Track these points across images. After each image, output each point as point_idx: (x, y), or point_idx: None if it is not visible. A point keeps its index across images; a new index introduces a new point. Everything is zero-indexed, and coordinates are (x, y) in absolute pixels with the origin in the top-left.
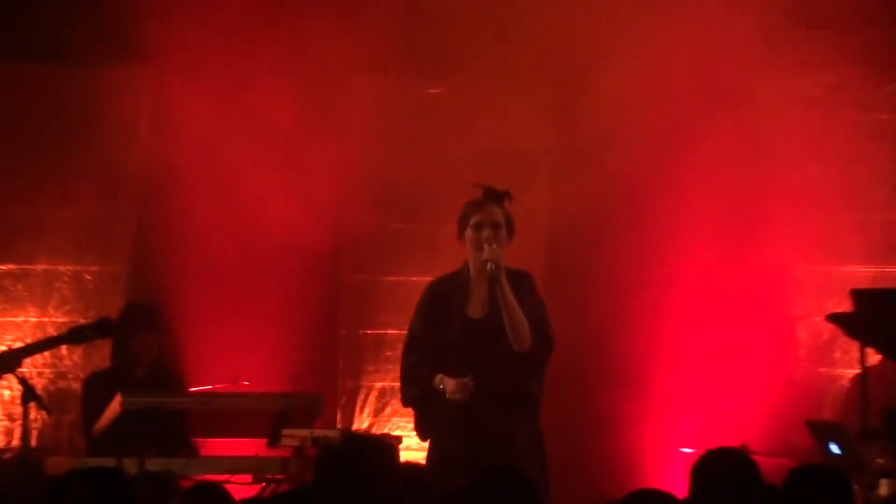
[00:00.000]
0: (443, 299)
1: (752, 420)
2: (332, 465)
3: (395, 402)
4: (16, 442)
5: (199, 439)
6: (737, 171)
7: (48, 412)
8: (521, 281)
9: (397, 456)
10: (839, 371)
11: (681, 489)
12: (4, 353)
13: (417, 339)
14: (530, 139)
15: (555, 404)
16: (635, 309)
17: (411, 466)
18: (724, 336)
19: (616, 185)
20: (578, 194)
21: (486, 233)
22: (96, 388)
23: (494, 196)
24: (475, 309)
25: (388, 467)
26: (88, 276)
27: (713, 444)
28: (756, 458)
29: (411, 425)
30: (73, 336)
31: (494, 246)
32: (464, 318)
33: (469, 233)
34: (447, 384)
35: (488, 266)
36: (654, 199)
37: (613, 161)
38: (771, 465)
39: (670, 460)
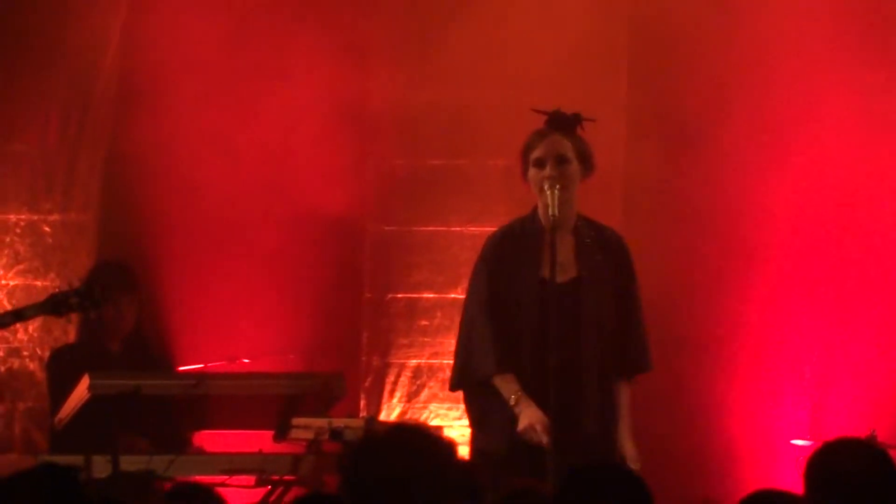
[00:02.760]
0: (512, 255)
1: (881, 406)
2: (368, 465)
3: (434, 384)
4: None
5: (188, 432)
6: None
7: None
8: (615, 251)
9: (456, 455)
10: None
11: (790, 489)
12: None
13: (481, 302)
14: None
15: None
16: (729, 274)
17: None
18: (845, 302)
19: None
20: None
21: (548, 170)
22: (61, 368)
23: (561, 122)
24: (552, 269)
25: (444, 470)
26: (47, 228)
27: (832, 436)
28: (889, 451)
29: (453, 413)
30: (53, 306)
31: (558, 189)
32: (538, 281)
33: (531, 172)
34: (524, 411)
35: (550, 215)
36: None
37: (692, 118)
38: None
39: (778, 454)
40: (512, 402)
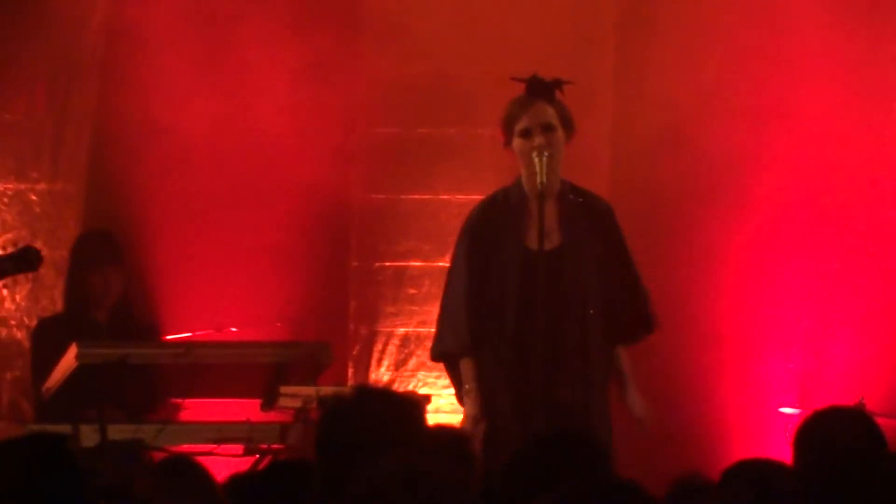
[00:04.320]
0: (496, 225)
1: (870, 373)
2: (338, 428)
3: (422, 352)
4: None
5: (176, 400)
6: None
7: None
8: (600, 216)
9: (423, 417)
10: None
11: (779, 458)
12: None
13: (460, 275)
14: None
15: None
16: (716, 241)
17: (449, 432)
18: (832, 272)
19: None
20: (645, 115)
21: (537, 139)
22: (47, 337)
23: (542, 89)
24: (537, 238)
25: (412, 432)
26: (34, 197)
27: (821, 404)
28: (877, 420)
29: (442, 381)
30: None
31: (546, 156)
32: (522, 250)
33: (517, 142)
34: (468, 404)
35: (538, 183)
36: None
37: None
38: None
39: (766, 423)
40: (465, 390)
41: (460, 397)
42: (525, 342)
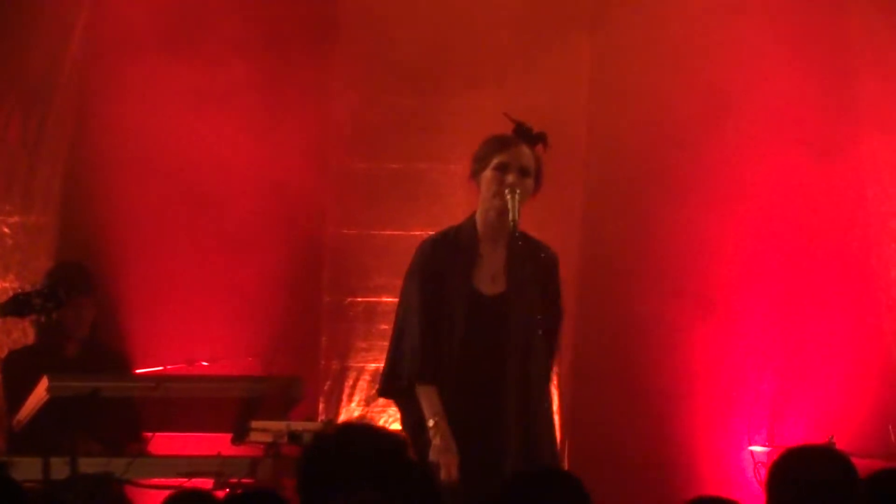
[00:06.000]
0: (445, 264)
1: (840, 413)
2: (316, 465)
3: None
4: None
5: (147, 434)
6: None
7: None
8: (545, 264)
9: (404, 454)
10: None
11: (748, 496)
12: None
13: (413, 311)
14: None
15: (591, 392)
16: (686, 271)
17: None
18: (802, 311)
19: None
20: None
21: (511, 178)
22: (17, 370)
23: (528, 135)
24: (486, 281)
25: (390, 469)
26: (6, 229)
27: (789, 442)
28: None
29: None
30: (15, 306)
31: (518, 194)
32: (471, 293)
33: (488, 173)
34: (437, 444)
35: (510, 221)
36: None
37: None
38: (865, 469)
39: (735, 462)
40: (430, 424)
41: (413, 430)
42: (466, 385)
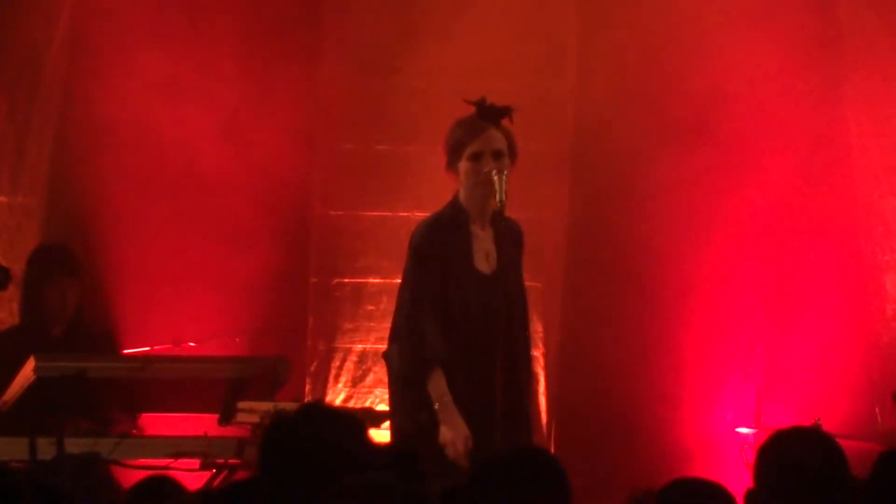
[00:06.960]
0: (445, 247)
1: (826, 394)
2: (279, 443)
3: (380, 369)
4: None
5: (134, 415)
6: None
7: None
8: (519, 240)
9: (366, 435)
10: None
11: (734, 477)
12: None
13: (425, 296)
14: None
15: (579, 375)
16: (674, 256)
17: (401, 449)
18: (789, 294)
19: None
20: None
21: (487, 165)
22: (3, 351)
23: (492, 114)
24: (482, 261)
25: (355, 450)
26: None
27: (776, 424)
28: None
29: None
30: None
31: (505, 175)
32: (475, 273)
33: (465, 164)
34: (448, 422)
35: (498, 201)
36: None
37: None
38: (852, 451)
39: (722, 443)
40: (437, 407)
41: (413, 411)
42: (482, 361)
